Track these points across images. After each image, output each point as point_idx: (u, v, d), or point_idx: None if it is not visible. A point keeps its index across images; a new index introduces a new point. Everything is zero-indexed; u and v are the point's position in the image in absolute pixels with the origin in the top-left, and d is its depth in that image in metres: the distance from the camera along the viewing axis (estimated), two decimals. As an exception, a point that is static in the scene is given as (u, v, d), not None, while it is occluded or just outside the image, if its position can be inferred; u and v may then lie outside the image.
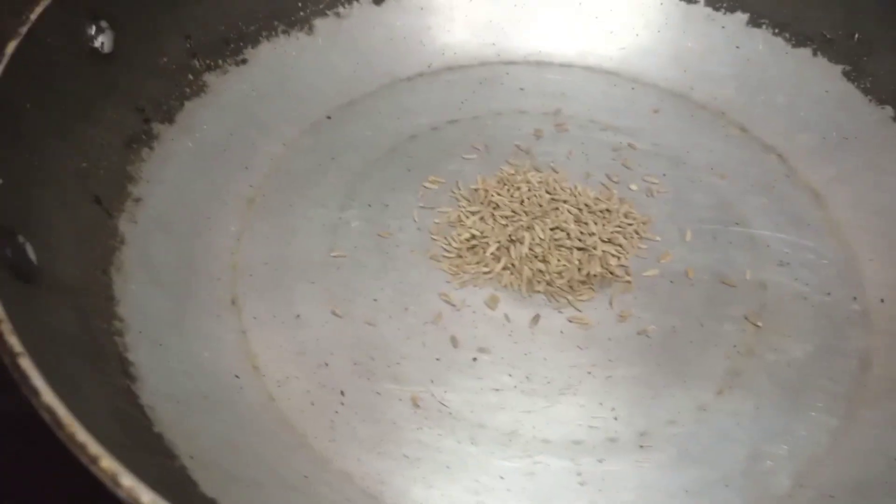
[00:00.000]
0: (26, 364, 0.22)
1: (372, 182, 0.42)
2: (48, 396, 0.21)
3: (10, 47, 0.29)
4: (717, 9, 0.48)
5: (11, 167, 0.27)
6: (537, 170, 0.43)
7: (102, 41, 0.35)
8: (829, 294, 0.38)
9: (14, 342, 0.22)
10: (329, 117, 0.45)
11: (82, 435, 0.20)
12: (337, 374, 0.34)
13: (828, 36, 0.45)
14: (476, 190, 0.41)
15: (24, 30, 0.30)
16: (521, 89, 0.48)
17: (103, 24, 0.35)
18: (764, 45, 0.47)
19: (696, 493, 0.31)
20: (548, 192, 0.41)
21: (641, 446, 0.32)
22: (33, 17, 0.30)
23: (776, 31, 0.47)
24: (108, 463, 0.20)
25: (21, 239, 0.26)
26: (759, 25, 0.47)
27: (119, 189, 0.35)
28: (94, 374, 0.27)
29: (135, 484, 0.20)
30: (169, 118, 0.39)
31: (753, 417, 0.34)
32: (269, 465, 0.30)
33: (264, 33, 0.44)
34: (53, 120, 0.31)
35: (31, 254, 0.26)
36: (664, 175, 0.43)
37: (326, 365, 0.34)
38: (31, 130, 0.30)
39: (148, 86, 0.38)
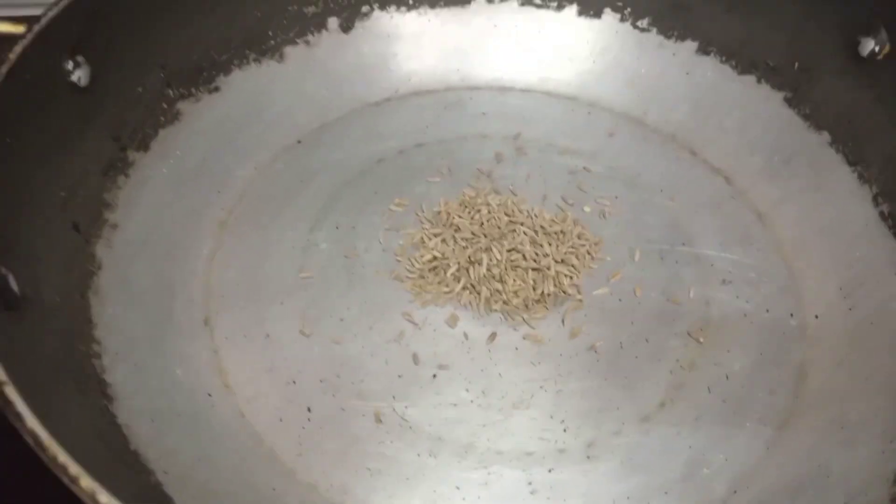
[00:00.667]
0: (10, 392, 0.24)
1: (341, 204, 0.44)
2: (31, 421, 0.23)
3: (-8, 87, 0.30)
4: (668, 37, 0.50)
5: (-3, 201, 0.29)
6: (497, 192, 0.45)
7: (80, 75, 0.36)
8: (768, 311, 0.41)
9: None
10: (300, 142, 0.47)
11: (63, 457, 0.22)
12: (304, 391, 0.36)
13: (771, 64, 0.48)
14: (439, 212, 0.44)
15: (3, 70, 0.31)
16: (484, 113, 0.50)
17: (80, 59, 0.36)
18: (712, 71, 0.50)
19: (638, 499, 0.34)
20: (506, 215, 0.43)
21: (588, 456, 0.35)
22: (13, 56, 0.32)
23: (723, 58, 0.49)
24: (87, 482, 0.22)
25: (3, 270, 0.28)
26: (707, 53, 0.50)
27: (96, 216, 0.37)
28: (75, 396, 0.29)
29: (112, 501, 0.22)
30: (144, 146, 0.41)
31: (693, 428, 0.36)
32: (241, 478, 0.32)
33: (236, 62, 0.46)
34: (34, 153, 0.33)
35: (13, 284, 0.28)
36: (617, 197, 0.46)
37: (294, 382, 0.36)
38: (12, 164, 0.32)
39: (124, 115, 0.40)
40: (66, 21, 0.35)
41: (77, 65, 0.36)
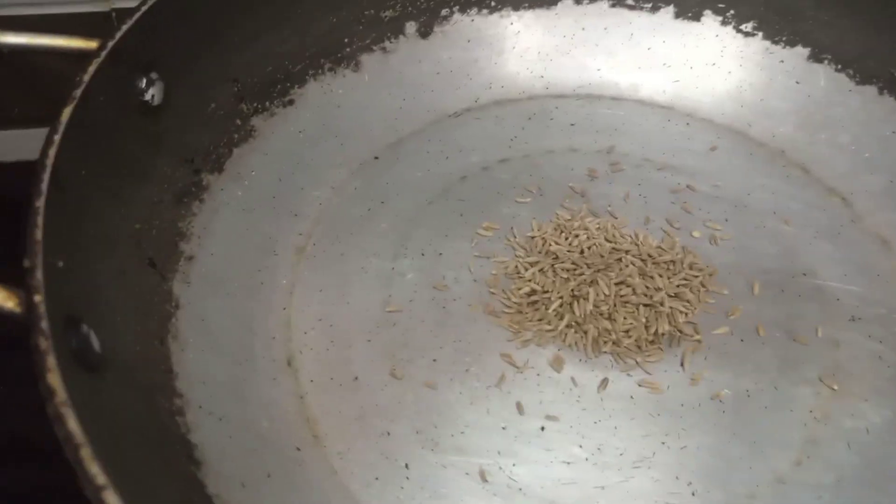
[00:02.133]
0: (94, 470, 0.21)
1: (424, 228, 0.40)
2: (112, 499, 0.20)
3: (65, 114, 0.27)
4: (775, 42, 0.46)
5: (72, 245, 0.26)
6: (594, 214, 0.41)
7: (153, 93, 0.33)
8: (905, 352, 0.37)
9: (85, 452, 0.20)
10: (377, 157, 0.43)
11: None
12: (400, 444, 0.32)
13: (894, 73, 0.43)
14: (532, 237, 0.40)
15: (77, 93, 0.28)
16: (572, 125, 0.46)
17: (154, 75, 0.33)
18: (826, 81, 0.45)
19: (781, 576, 0.30)
20: (608, 241, 0.40)
21: (721, 524, 0.31)
22: (86, 77, 0.29)
23: (839, 66, 0.45)
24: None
25: (85, 328, 0.25)
26: (820, 61, 0.45)
27: (171, 248, 0.34)
28: (160, 464, 0.26)
29: None
30: (218, 167, 0.37)
31: (836, 491, 0.32)
32: (337, 548, 0.29)
33: (311, 72, 0.42)
34: (107, 184, 0.30)
35: (95, 342, 0.25)
36: (726, 220, 0.42)
37: (388, 434, 0.33)
38: (86, 199, 0.28)
39: (197, 135, 0.37)
40: (140, 35, 0.32)
41: (150, 82, 0.33)
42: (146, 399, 0.27)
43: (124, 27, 0.31)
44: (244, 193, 0.38)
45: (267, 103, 0.40)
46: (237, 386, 0.32)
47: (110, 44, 0.30)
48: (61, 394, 0.20)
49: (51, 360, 0.20)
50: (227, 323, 0.34)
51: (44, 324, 0.21)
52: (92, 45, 0.31)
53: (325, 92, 0.43)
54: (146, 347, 0.29)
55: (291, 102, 0.41)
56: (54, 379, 0.20)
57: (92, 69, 0.29)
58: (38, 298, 0.22)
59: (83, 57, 0.30)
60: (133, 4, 0.47)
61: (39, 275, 0.22)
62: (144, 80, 0.33)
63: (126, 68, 0.31)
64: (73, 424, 0.19)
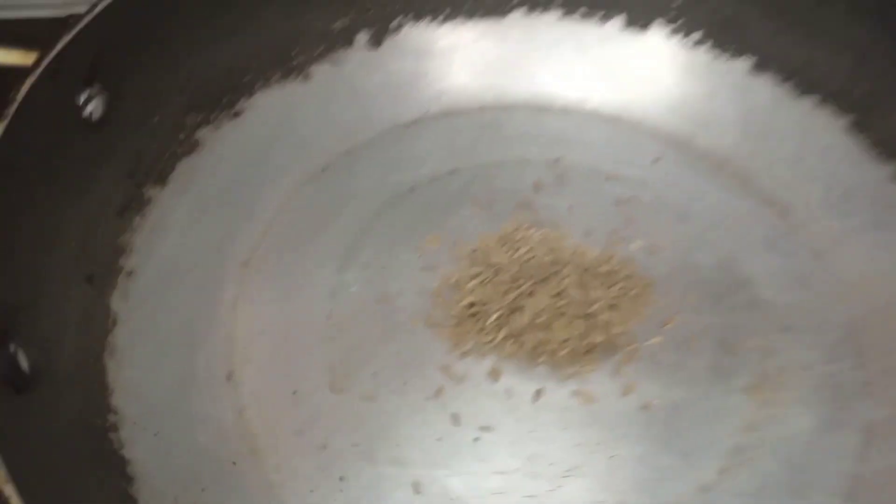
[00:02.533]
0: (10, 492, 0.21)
1: (371, 239, 0.41)
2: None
3: (-3, 133, 0.28)
4: (721, 52, 0.47)
5: (5, 261, 0.26)
6: (538, 226, 0.42)
7: (94, 107, 0.34)
8: (832, 361, 0.38)
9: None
10: (325, 168, 0.44)
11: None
12: (336, 457, 0.33)
13: (833, 87, 0.44)
14: (476, 249, 0.41)
15: (10, 111, 0.28)
16: (521, 136, 0.47)
17: (95, 88, 0.33)
18: (769, 91, 0.46)
19: (702, 582, 0.31)
20: (549, 252, 0.40)
21: (646, 533, 0.32)
22: (19, 95, 0.29)
23: (782, 77, 0.46)
24: None
25: (12, 347, 0.25)
26: (763, 71, 0.46)
27: (111, 264, 0.34)
28: (90, 481, 0.26)
29: None
30: (161, 180, 0.38)
31: (757, 499, 0.33)
32: (270, 561, 0.29)
33: (259, 83, 0.43)
34: (44, 203, 0.30)
35: (24, 361, 0.25)
36: (666, 231, 0.42)
37: (325, 447, 0.33)
38: (21, 219, 0.29)
39: (139, 149, 0.37)
40: (79, 49, 0.32)
41: (90, 98, 0.33)
42: (79, 416, 0.28)
43: (64, 39, 0.31)
44: (188, 207, 0.39)
45: (213, 115, 0.41)
46: (175, 401, 0.33)
47: (45, 60, 0.31)
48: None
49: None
50: (167, 338, 0.35)
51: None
52: (29, 59, 0.31)
53: (273, 103, 0.43)
54: (81, 364, 0.30)
55: (239, 114, 0.42)
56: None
57: (25, 88, 0.29)
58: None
59: (17, 74, 0.30)
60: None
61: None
62: (86, 94, 0.33)
63: (65, 83, 0.32)
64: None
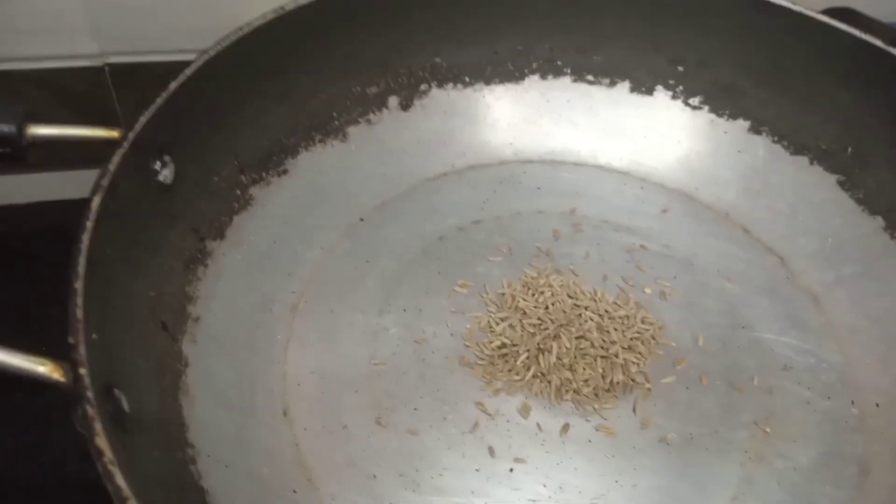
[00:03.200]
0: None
1: (406, 285, 0.45)
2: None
3: (95, 202, 0.31)
4: (720, 115, 0.51)
5: (103, 318, 0.30)
6: (558, 272, 0.46)
7: (166, 174, 0.37)
8: (829, 398, 0.42)
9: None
10: (362, 219, 0.48)
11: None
12: (385, 486, 0.37)
13: (823, 147, 0.49)
14: (503, 294, 0.45)
15: (105, 182, 0.32)
16: (538, 188, 0.51)
17: (167, 158, 0.37)
18: (764, 150, 0.51)
19: None
20: (570, 297, 0.44)
21: (666, 556, 0.36)
22: (111, 167, 0.33)
23: (776, 138, 0.50)
24: None
25: (117, 392, 0.29)
26: (759, 133, 0.51)
27: (181, 311, 0.38)
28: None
29: None
30: (220, 234, 0.42)
31: (766, 524, 0.37)
32: (331, 581, 0.33)
33: (303, 144, 0.47)
34: (128, 259, 0.34)
35: (125, 404, 0.29)
36: (675, 277, 0.47)
37: (374, 477, 0.37)
38: (113, 275, 0.32)
39: (202, 206, 0.41)
40: (157, 123, 0.36)
41: (164, 164, 0.37)
42: (165, 450, 0.31)
43: (143, 118, 0.35)
44: (243, 257, 0.42)
45: (263, 174, 0.45)
46: (240, 435, 0.36)
47: (132, 134, 0.35)
48: (108, 453, 0.24)
49: (98, 425, 0.24)
50: (230, 377, 0.38)
51: (89, 393, 0.25)
52: (114, 134, 0.35)
53: (315, 161, 0.47)
54: (163, 404, 0.33)
55: (285, 172, 0.46)
56: (102, 441, 0.24)
57: (117, 159, 0.33)
58: (83, 371, 0.26)
59: (105, 146, 0.34)
60: (125, 59, 0.51)
61: (83, 349, 0.26)
62: (159, 163, 0.37)
63: (144, 155, 0.36)
64: (119, 480, 0.23)
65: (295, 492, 0.36)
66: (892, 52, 0.44)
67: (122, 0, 0.52)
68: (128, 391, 0.29)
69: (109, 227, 0.32)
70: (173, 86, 0.37)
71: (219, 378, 0.38)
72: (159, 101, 0.36)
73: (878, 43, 0.45)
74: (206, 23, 0.42)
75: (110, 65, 0.54)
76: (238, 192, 0.43)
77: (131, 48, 0.51)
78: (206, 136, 0.40)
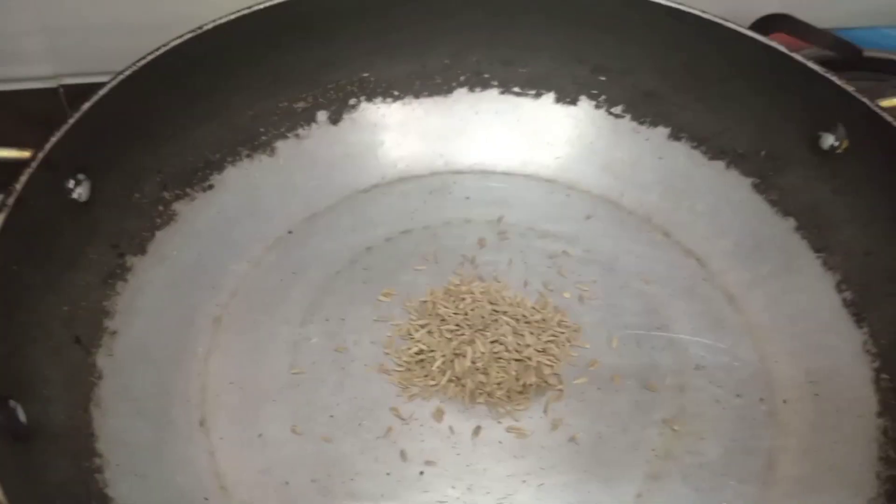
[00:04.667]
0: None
1: (331, 296, 0.46)
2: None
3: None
4: (641, 123, 0.53)
5: (8, 335, 0.31)
6: (481, 279, 0.47)
7: (80, 192, 0.38)
8: (739, 396, 0.43)
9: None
10: (291, 232, 0.49)
11: None
12: (298, 492, 0.38)
13: (739, 151, 0.50)
14: (425, 302, 0.46)
15: (11, 201, 0.33)
16: (468, 198, 0.52)
17: (80, 176, 0.38)
18: (684, 156, 0.52)
19: None
20: (490, 303, 0.45)
21: (569, 553, 0.37)
22: (19, 186, 0.34)
23: (694, 144, 0.52)
24: None
25: (12, 403, 0.30)
26: (679, 139, 0.52)
27: (97, 325, 0.39)
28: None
29: None
30: (141, 250, 0.43)
31: (670, 519, 0.38)
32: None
33: (229, 159, 0.48)
34: (40, 276, 0.35)
35: (21, 415, 0.30)
36: (595, 281, 0.48)
37: (288, 483, 0.38)
38: (19, 291, 0.33)
39: (122, 223, 0.42)
40: (69, 143, 0.37)
41: (78, 182, 0.38)
42: (70, 460, 0.32)
43: (54, 138, 0.37)
44: (166, 271, 0.43)
45: (188, 189, 0.46)
46: (155, 445, 0.37)
47: (40, 154, 0.36)
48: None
49: (-21, 436, 0.25)
50: (147, 389, 0.39)
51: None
52: (25, 154, 0.36)
53: (242, 176, 0.49)
54: (71, 415, 0.34)
55: (211, 187, 0.47)
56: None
57: (24, 178, 0.34)
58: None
59: (14, 167, 0.36)
60: (80, 80, 0.53)
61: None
62: (73, 181, 0.38)
63: (56, 174, 0.37)
64: (-3, 488, 0.24)
65: (207, 499, 0.37)
66: (798, 57, 0.46)
67: (77, 22, 0.54)
68: (29, 402, 0.30)
69: (18, 244, 0.33)
70: (86, 106, 0.38)
71: (136, 390, 0.39)
72: (71, 121, 0.37)
73: (784, 49, 0.46)
74: (160, 42, 0.43)
75: (65, 86, 0.55)
76: (161, 207, 0.44)
77: (86, 69, 0.52)
78: (125, 153, 0.41)
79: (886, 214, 0.44)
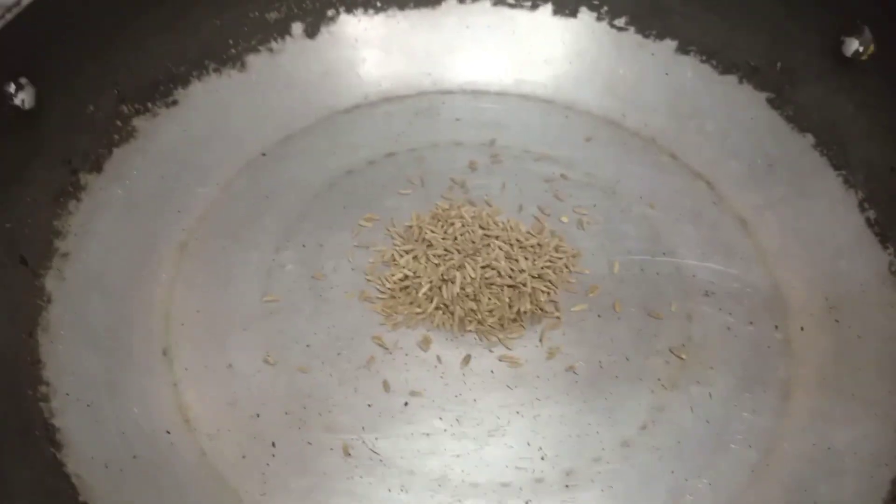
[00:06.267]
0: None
1: (308, 222, 0.42)
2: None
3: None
4: (646, 36, 0.49)
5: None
6: (471, 204, 0.43)
7: (23, 98, 0.34)
8: (752, 323, 0.39)
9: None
10: (265, 154, 0.45)
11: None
12: (269, 425, 0.34)
13: (752, 64, 0.46)
14: (410, 227, 0.42)
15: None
16: (458, 119, 0.48)
17: (23, 80, 0.34)
18: (692, 72, 0.48)
19: (619, 531, 0.32)
20: (481, 228, 0.42)
21: (567, 486, 0.33)
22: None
23: (704, 58, 0.47)
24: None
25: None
26: (687, 52, 0.48)
27: (46, 246, 0.35)
28: (20, 450, 0.27)
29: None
30: (97, 167, 0.39)
31: (676, 452, 0.35)
32: (200, 523, 0.30)
33: (195, 73, 0.44)
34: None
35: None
36: (595, 206, 0.44)
37: (258, 415, 0.35)
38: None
39: (74, 137, 0.38)
40: (6, 40, 0.33)
41: (20, 87, 0.34)
42: (9, 386, 0.29)
43: (-12, 34, 0.32)
44: (126, 193, 0.40)
45: (149, 104, 0.42)
46: (110, 375, 0.34)
47: (-28, 52, 0.32)
48: None
49: None
50: (103, 316, 0.36)
51: None
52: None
53: (210, 92, 0.45)
54: (13, 340, 0.31)
55: (175, 103, 0.43)
56: None
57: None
58: None
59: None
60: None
61: None
62: (13, 85, 0.34)
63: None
64: None
65: (168, 432, 0.33)
66: (819, -44, 0.41)
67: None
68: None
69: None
70: (26, 1, 0.34)
71: (90, 316, 0.35)
72: (9, 16, 0.33)
73: (803, -55, 0.42)
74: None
75: None
76: (119, 122, 0.40)
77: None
78: (76, 60, 0.37)
79: (914, 126, 0.40)
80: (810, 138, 0.44)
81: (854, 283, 0.39)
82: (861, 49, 0.41)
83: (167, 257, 0.39)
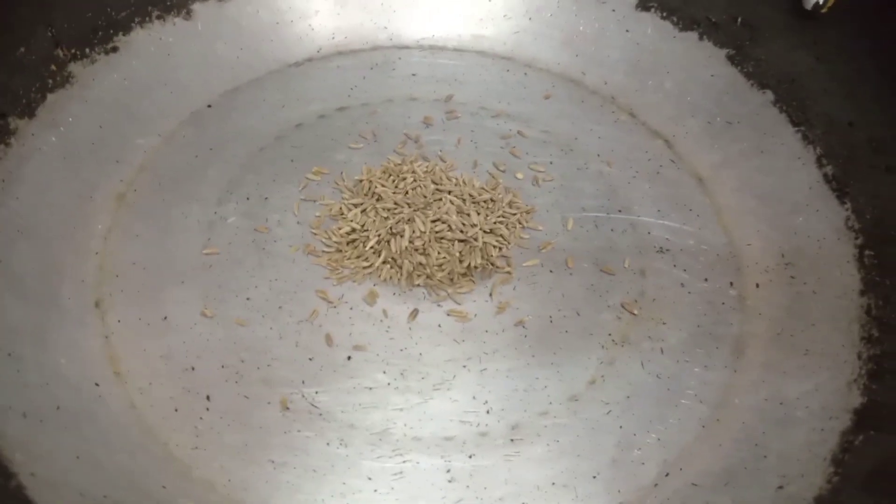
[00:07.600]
0: None
1: (253, 174, 0.41)
2: None
3: None
4: (607, -8, 0.47)
5: None
6: (425, 159, 0.42)
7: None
8: (706, 280, 0.39)
9: None
10: (210, 106, 0.43)
11: None
12: (203, 378, 0.33)
13: (713, 20, 0.45)
14: (360, 181, 0.41)
15: None
16: (413, 75, 0.47)
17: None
18: (652, 28, 0.47)
19: (564, 484, 0.31)
20: (433, 183, 0.40)
21: (512, 440, 0.33)
22: None
23: (664, 14, 0.46)
24: None
25: None
26: (647, 9, 0.47)
27: (-33, 191, 0.33)
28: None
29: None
30: (29, 112, 0.37)
31: (625, 406, 0.34)
32: (127, 477, 0.29)
33: (137, 19, 0.42)
34: None
35: None
36: (551, 163, 0.43)
37: (193, 369, 0.33)
38: None
39: (4, 79, 0.36)
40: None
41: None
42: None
43: None
44: (60, 140, 0.38)
45: (87, 50, 0.40)
46: (36, 326, 0.32)
47: None
48: None
49: None
50: (31, 266, 0.34)
51: None
52: None
53: (153, 40, 0.43)
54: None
55: (115, 49, 0.41)
56: None
57: None
58: None
59: None
60: None
61: None
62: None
63: None
64: None
65: (98, 385, 0.32)
66: None
67: None
68: None
69: None
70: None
71: (15, 264, 0.34)
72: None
73: None
74: None
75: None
76: (53, 67, 0.38)
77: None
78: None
79: (873, 80, 0.39)
80: (770, 94, 0.43)
81: (811, 239, 0.39)
82: (821, 2, 0.40)
83: (103, 208, 0.38)
